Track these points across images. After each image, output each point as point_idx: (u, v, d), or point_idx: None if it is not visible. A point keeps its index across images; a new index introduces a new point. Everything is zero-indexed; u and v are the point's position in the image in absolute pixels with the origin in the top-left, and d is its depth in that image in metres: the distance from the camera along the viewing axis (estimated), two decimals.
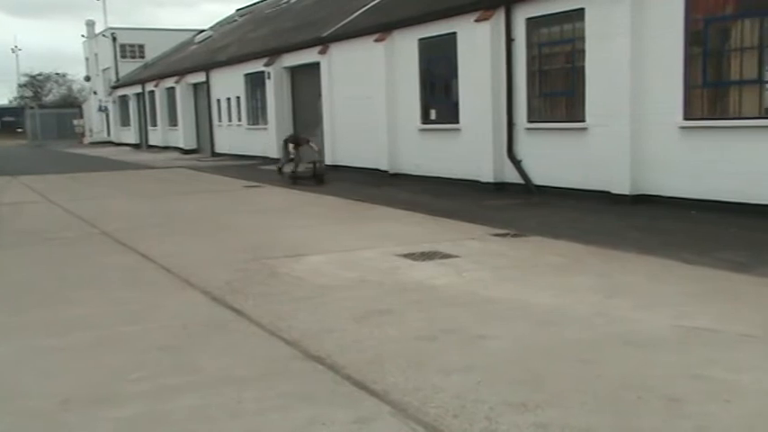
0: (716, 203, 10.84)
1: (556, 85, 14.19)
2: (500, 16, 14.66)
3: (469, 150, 15.74)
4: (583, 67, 13.12)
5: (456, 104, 16.41)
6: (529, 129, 14.49)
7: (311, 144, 18.16)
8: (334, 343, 5.34)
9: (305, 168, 17.54)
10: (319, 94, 22.07)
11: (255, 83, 26.73)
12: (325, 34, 21.57)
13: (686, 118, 11.41)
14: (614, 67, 12.23)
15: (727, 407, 4.05)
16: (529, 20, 14.21)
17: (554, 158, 13.80)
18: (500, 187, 14.88)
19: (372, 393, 4.36)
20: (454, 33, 16.10)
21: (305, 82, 23.74)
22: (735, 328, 5.44)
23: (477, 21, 15.09)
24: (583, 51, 13.10)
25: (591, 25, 12.86)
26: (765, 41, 10.44)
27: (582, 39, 13.11)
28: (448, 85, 16.91)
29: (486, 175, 15.17)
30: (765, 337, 5.21)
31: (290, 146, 18.10)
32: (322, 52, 21.58)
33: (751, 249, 8.27)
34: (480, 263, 8.07)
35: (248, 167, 23.52)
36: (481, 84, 15.13)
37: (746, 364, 4.73)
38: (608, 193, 12.48)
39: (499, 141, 14.87)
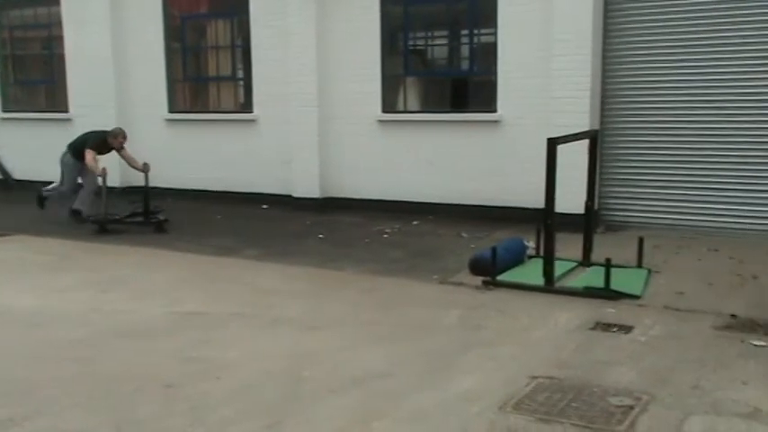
0: (201, 192, 11.39)
1: (34, 72, 13.30)
2: None
3: None
4: (63, 55, 12.50)
5: None
6: (6, 119, 13.28)
7: (125, 151, 9.63)
8: None
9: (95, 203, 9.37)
10: None
11: None
12: None
13: (171, 111, 11.75)
14: (97, 57, 11.90)
15: (218, 383, 4.30)
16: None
17: (38, 150, 12.87)
18: None
19: None
20: None
21: None
22: (223, 308, 5.81)
23: None
24: (62, 38, 12.47)
25: (68, 12, 12.27)
26: (237, 41, 11.33)
27: (59, 25, 12.46)
28: None
29: None
30: (249, 314, 5.69)
31: (91, 155, 9.16)
32: None
33: (234, 234, 8.92)
34: None
35: None
36: None
37: (233, 340, 5.10)
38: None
39: None
